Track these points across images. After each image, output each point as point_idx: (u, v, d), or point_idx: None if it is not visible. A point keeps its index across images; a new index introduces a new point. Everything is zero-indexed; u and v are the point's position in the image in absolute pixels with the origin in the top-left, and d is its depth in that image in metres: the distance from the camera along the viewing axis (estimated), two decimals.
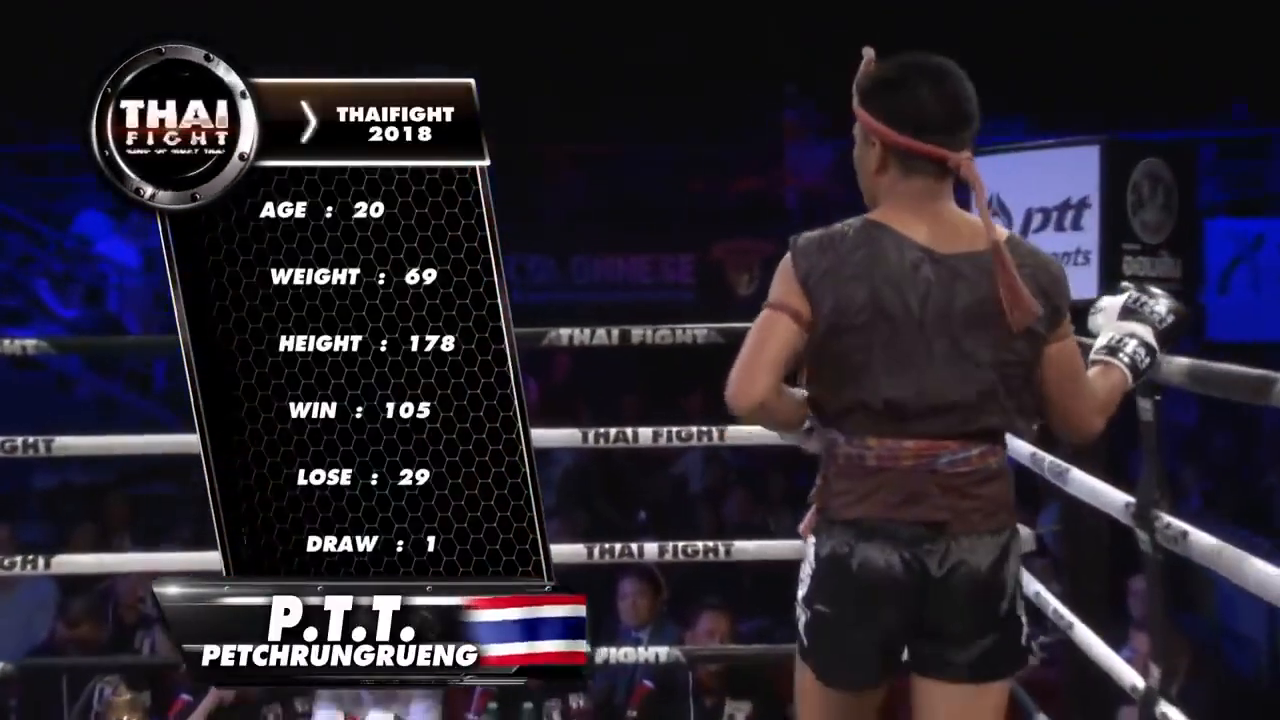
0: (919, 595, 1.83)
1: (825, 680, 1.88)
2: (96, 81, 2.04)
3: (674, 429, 3.22)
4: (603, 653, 3.19)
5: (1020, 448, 2.79)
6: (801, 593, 1.89)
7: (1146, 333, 1.93)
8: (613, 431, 3.22)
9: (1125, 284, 2.02)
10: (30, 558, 3.23)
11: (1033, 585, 2.84)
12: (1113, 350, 1.92)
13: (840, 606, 1.85)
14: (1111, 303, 1.98)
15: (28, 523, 6.36)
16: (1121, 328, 1.94)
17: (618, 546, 3.20)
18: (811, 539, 1.90)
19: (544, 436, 3.49)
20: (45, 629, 4.51)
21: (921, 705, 1.88)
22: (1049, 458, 2.68)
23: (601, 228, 10.31)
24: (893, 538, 1.82)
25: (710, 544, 3.19)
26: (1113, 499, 2.47)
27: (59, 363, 8.37)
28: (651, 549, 3.25)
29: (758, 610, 4.79)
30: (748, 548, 3.22)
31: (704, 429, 3.19)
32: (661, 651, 3.24)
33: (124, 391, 8.48)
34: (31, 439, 3.21)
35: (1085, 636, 2.72)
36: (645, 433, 3.23)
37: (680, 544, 3.19)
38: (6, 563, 3.26)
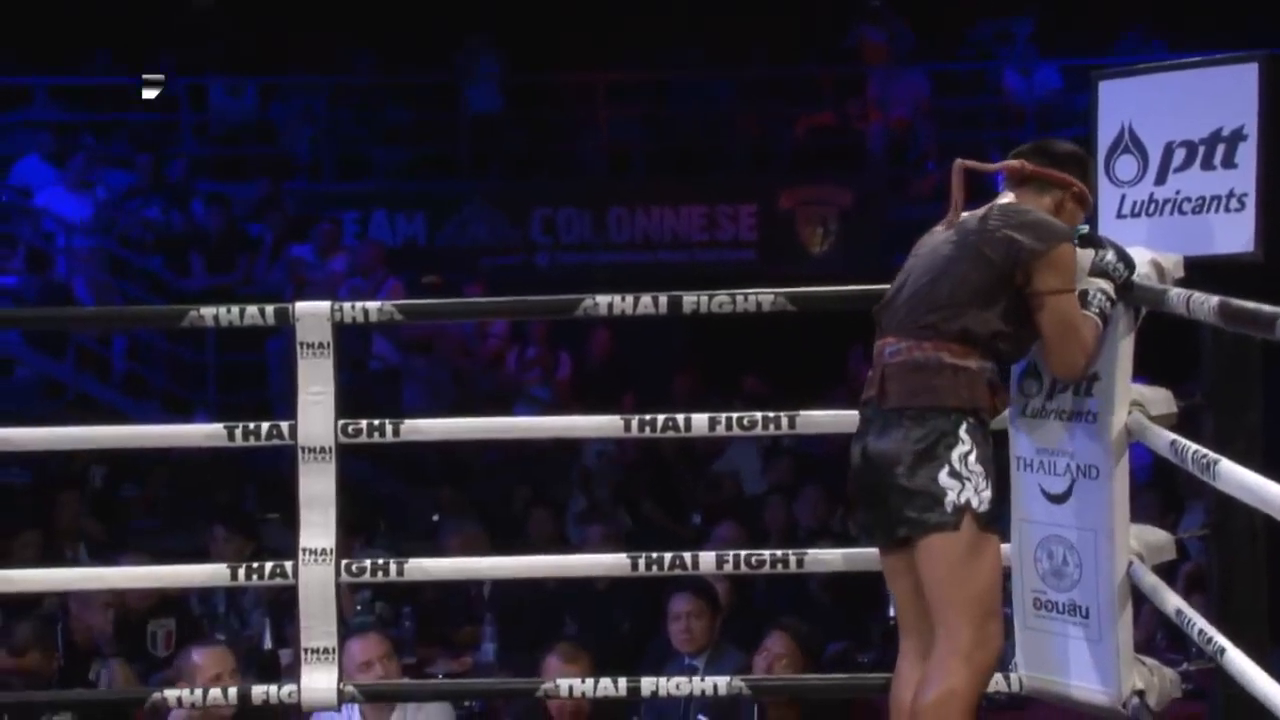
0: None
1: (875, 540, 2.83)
2: None
3: (734, 416, 3.21)
4: (650, 684, 3.20)
5: (1159, 437, 2.78)
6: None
7: (1109, 287, 2.81)
8: (661, 419, 3.22)
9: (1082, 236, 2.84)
10: None
11: (1173, 601, 2.83)
12: (1085, 303, 2.79)
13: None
14: (1082, 256, 2.81)
15: None
16: (1091, 282, 2.80)
17: (668, 557, 3.20)
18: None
19: (579, 424, 3.52)
20: None
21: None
22: (1193, 446, 2.65)
23: (645, 174, 10.28)
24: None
25: (779, 553, 3.19)
26: (1272, 495, 2.45)
27: None
28: (708, 559, 3.25)
29: (836, 631, 4.80)
30: (824, 557, 3.21)
31: (770, 415, 3.19)
32: (721, 682, 3.23)
33: (74, 374, 8.57)
34: None
35: (1239, 664, 2.70)
36: (700, 420, 3.23)
37: (743, 553, 3.19)
38: None
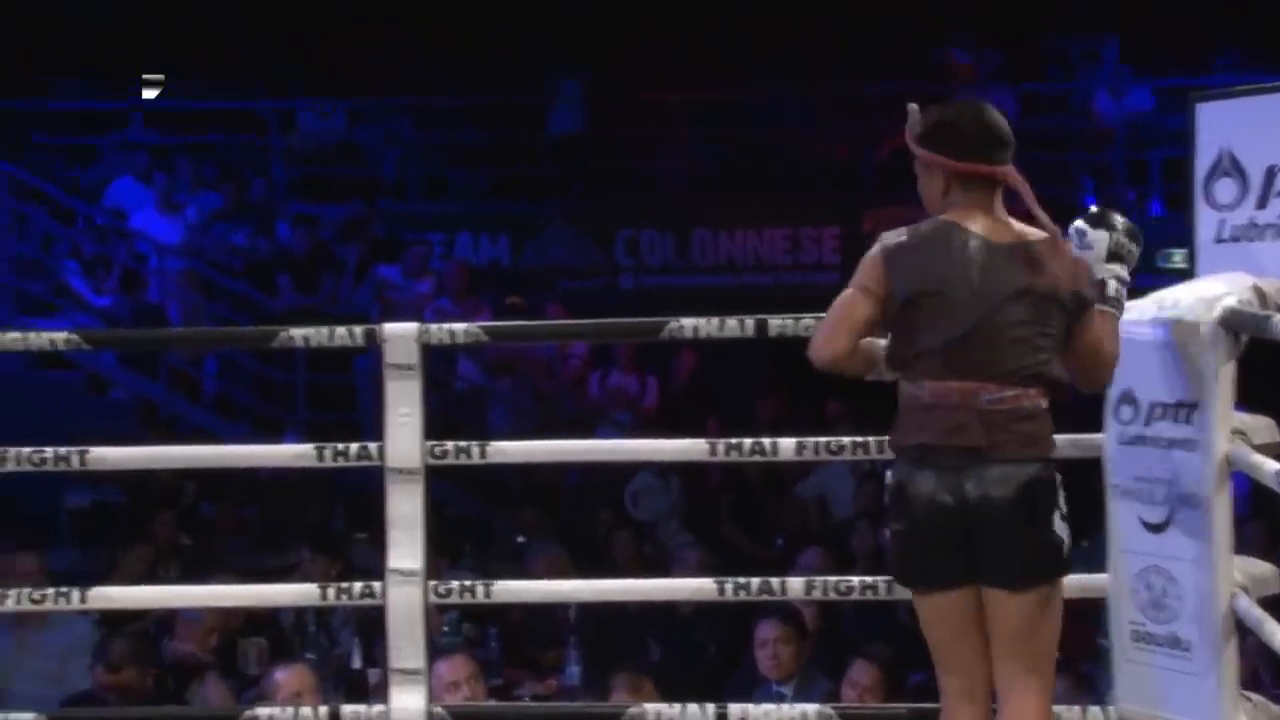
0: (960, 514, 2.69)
1: (909, 586, 2.78)
2: None
3: (822, 440, 3.20)
4: (738, 710, 3.18)
5: (1263, 466, 2.72)
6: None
7: (1124, 271, 2.80)
8: (748, 443, 3.21)
9: (1087, 222, 2.82)
10: (63, 591, 3.33)
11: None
12: (1105, 298, 2.77)
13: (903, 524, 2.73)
14: (1098, 240, 2.80)
15: (59, 549, 6.56)
16: (1108, 270, 2.79)
17: (755, 582, 3.19)
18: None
19: (665, 448, 3.50)
20: (83, 674, 4.64)
21: (986, 609, 2.72)
22: None
23: (727, 196, 10.27)
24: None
25: (869, 579, 3.16)
26: None
27: (91, 360, 8.60)
28: (796, 585, 3.23)
29: (924, 659, 4.73)
30: None
31: (860, 440, 3.16)
32: (810, 710, 3.21)
33: (167, 395, 8.68)
34: (63, 450, 3.31)
35: None
36: (787, 444, 3.21)
37: (832, 579, 3.17)
38: (36, 596, 3.36)
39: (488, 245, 10.19)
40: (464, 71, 10.77)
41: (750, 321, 3.22)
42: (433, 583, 3.28)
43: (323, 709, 3.27)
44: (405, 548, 3.24)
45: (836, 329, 2.76)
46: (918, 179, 2.84)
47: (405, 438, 3.25)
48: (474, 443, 3.32)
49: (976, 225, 2.74)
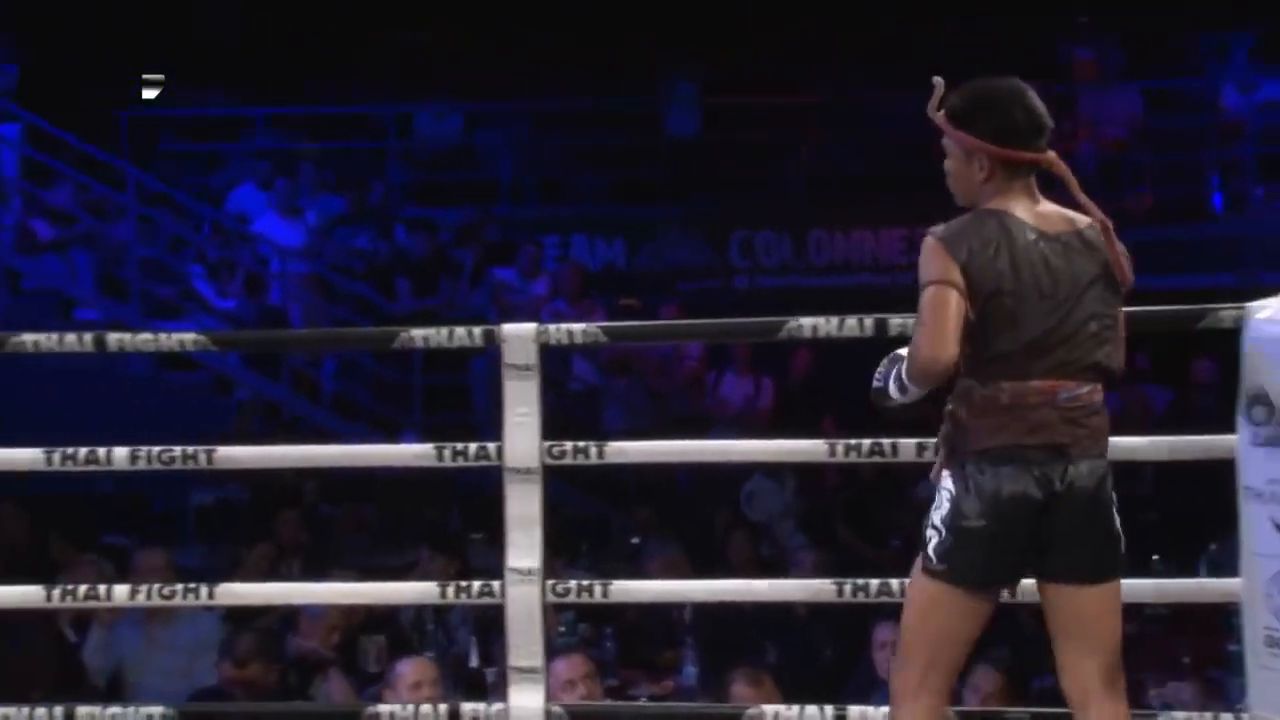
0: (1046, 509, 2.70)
1: (951, 580, 2.71)
2: None
3: None
4: (858, 712, 3.16)
5: None
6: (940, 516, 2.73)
7: None
8: (866, 443, 3.18)
9: None
10: (192, 587, 3.40)
11: None
12: None
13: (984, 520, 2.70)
14: None
15: (185, 546, 6.69)
16: None
17: (874, 583, 3.16)
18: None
19: (783, 449, 3.49)
20: (210, 669, 4.73)
21: (1055, 606, 2.75)
22: None
23: (845, 196, 10.20)
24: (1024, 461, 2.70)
25: None
26: None
27: (216, 362, 8.77)
28: None
29: (1046, 664, 4.66)
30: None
31: None
32: None
33: (289, 395, 8.83)
34: (191, 449, 3.37)
35: None
36: (907, 445, 3.19)
37: None
38: (165, 591, 3.43)
39: (603, 248, 10.22)
40: (580, 75, 10.83)
41: (869, 321, 3.20)
42: (550, 582, 3.30)
43: (442, 706, 3.30)
44: (524, 547, 3.26)
45: (944, 331, 2.63)
46: (950, 161, 2.78)
47: (523, 438, 3.28)
48: (592, 443, 3.34)
49: (1027, 215, 2.71)
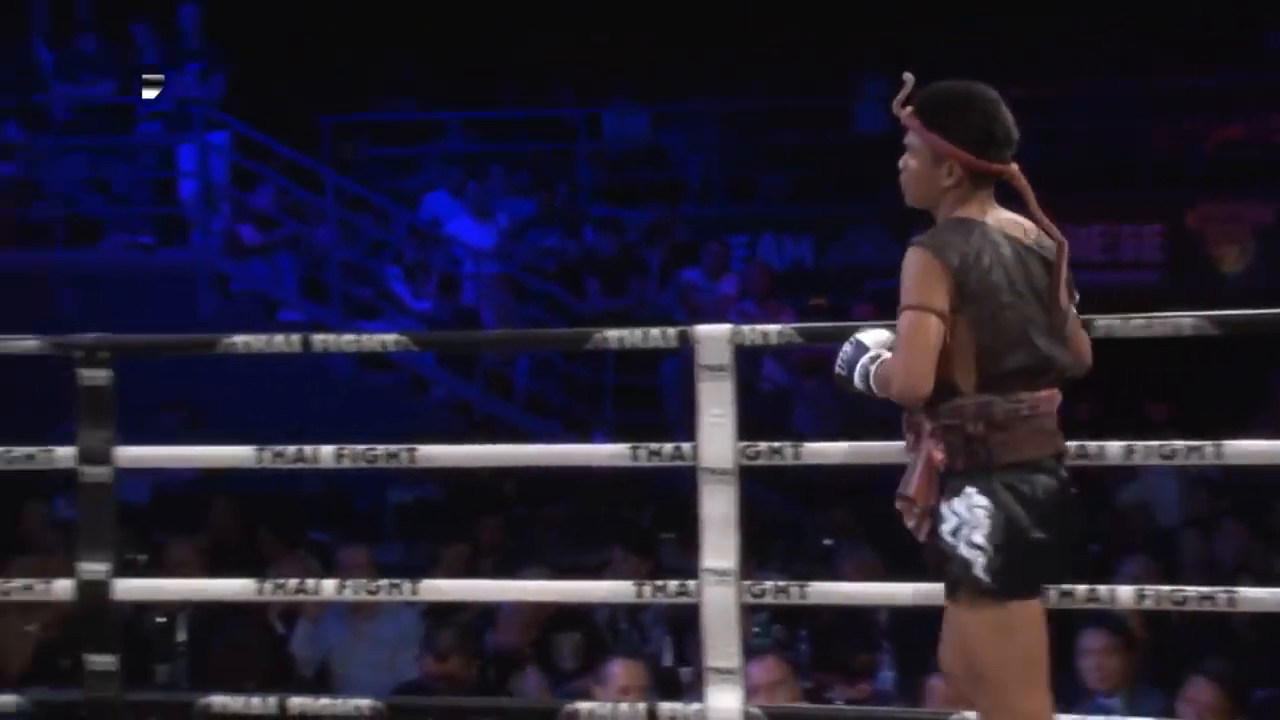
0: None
1: (1007, 596, 2.66)
2: None
3: (1153, 444, 3.07)
4: None
5: None
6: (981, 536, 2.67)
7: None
8: (1070, 446, 3.11)
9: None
10: (396, 582, 3.48)
11: None
12: None
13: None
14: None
15: (384, 543, 6.85)
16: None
17: (1080, 589, 3.09)
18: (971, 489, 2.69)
19: None
20: (410, 663, 4.84)
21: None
22: None
23: (1043, 192, 9.96)
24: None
25: (1205, 590, 3.02)
26: None
27: (412, 362, 8.97)
28: (1126, 594, 3.11)
29: (1267, 674, 4.50)
30: (1256, 596, 3.02)
31: (1194, 445, 3.03)
32: None
33: (483, 395, 8.98)
34: (394, 448, 3.45)
35: None
36: (1114, 448, 3.10)
37: (1165, 588, 3.04)
38: (371, 587, 3.52)
39: (790, 246, 10.18)
40: (769, 73, 10.80)
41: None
42: (747, 583, 3.30)
43: (640, 705, 3.32)
44: (719, 548, 3.26)
45: (926, 362, 2.63)
46: (913, 160, 2.76)
47: (718, 438, 3.28)
48: (788, 443, 3.32)
49: (995, 223, 2.71)
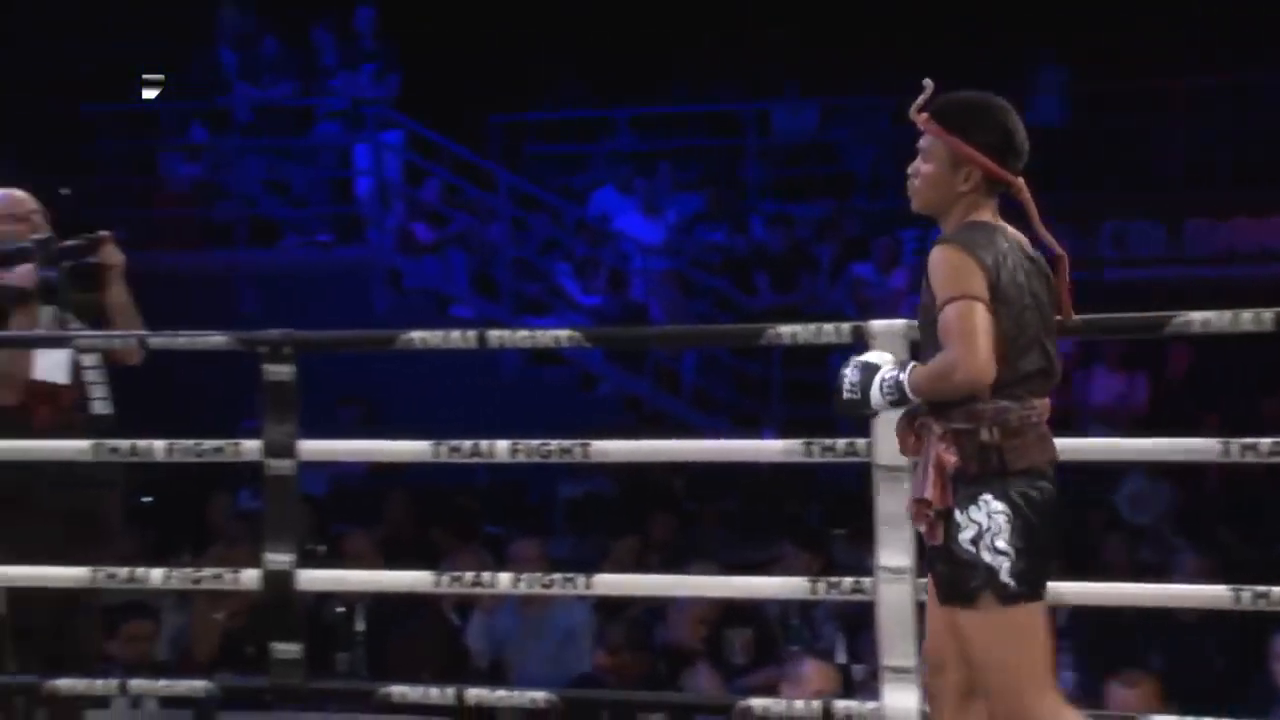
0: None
1: (1033, 598, 2.71)
2: None
3: None
4: None
5: None
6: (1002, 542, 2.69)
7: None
8: (1265, 443, 3.01)
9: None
10: (569, 576, 3.50)
11: None
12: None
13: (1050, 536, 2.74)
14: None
15: (555, 537, 6.92)
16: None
17: (1276, 591, 2.99)
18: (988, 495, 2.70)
19: (1175, 448, 3.33)
20: (583, 656, 4.89)
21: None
22: None
23: (1226, 183, 9.68)
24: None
25: None
26: None
27: (581, 357, 9.04)
28: None
29: None
30: None
31: None
32: None
33: (651, 390, 9.01)
34: (567, 444, 3.47)
35: None
36: None
37: None
38: (545, 581, 3.55)
39: None
40: (940, 65, 10.63)
41: (1268, 315, 3.01)
42: (922, 580, 3.25)
43: (815, 703, 3.30)
44: (894, 545, 3.22)
45: (987, 349, 2.62)
46: (927, 164, 2.76)
47: (894, 436, 3.23)
48: None
49: (1008, 232, 2.74)
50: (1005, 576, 2.68)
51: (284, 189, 9.94)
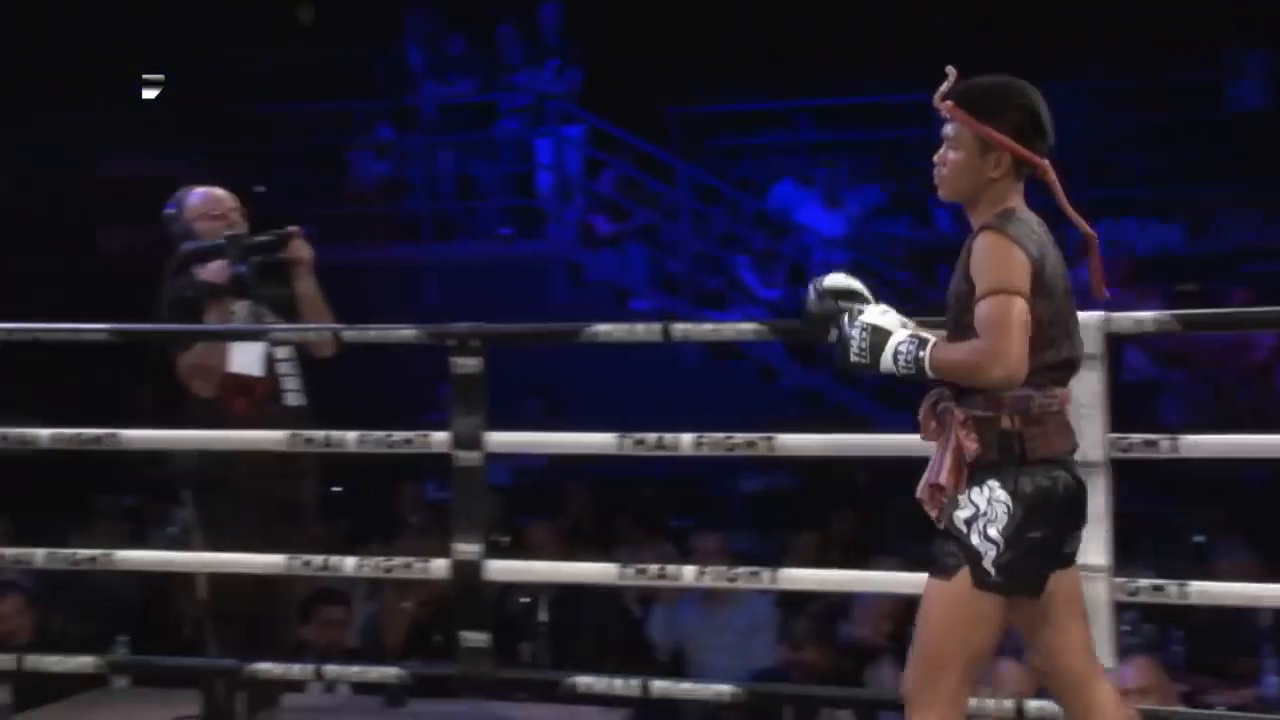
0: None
1: (1011, 592, 2.70)
2: None
3: None
4: None
5: None
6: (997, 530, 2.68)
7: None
8: None
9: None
10: (754, 570, 3.49)
11: None
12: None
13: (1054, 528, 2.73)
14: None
15: (736, 530, 6.91)
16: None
17: None
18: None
19: None
20: (765, 650, 4.87)
21: (1065, 590, 2.81)
22: None
23: None
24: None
25: None
26: None
27: (762, 350, 9.01)
28: None
29: None
30: None
31: None
32: None
33: (833, 384, 8.94)
34: (752, 437, 3.46)
35: None
36: None
37: None
38: (730, 574, 3.54)
39: (1156, 230, 9.73)
40: (1135, 48, 10.34)
41: None
42: (1119, 580, 3.16)
43: (1007, 702, 3.24)
44: (1091, 543, 3.14)
45: (1023, 343, 2.61)
46: (955, 152, 2.76)
47: (1088, 430, 3.16)
48: (1163, 436, 3.17)
49: (1035, 219, 2.72)
50: (988, 564, 2.67)
51: (467, 184, 10.10)
